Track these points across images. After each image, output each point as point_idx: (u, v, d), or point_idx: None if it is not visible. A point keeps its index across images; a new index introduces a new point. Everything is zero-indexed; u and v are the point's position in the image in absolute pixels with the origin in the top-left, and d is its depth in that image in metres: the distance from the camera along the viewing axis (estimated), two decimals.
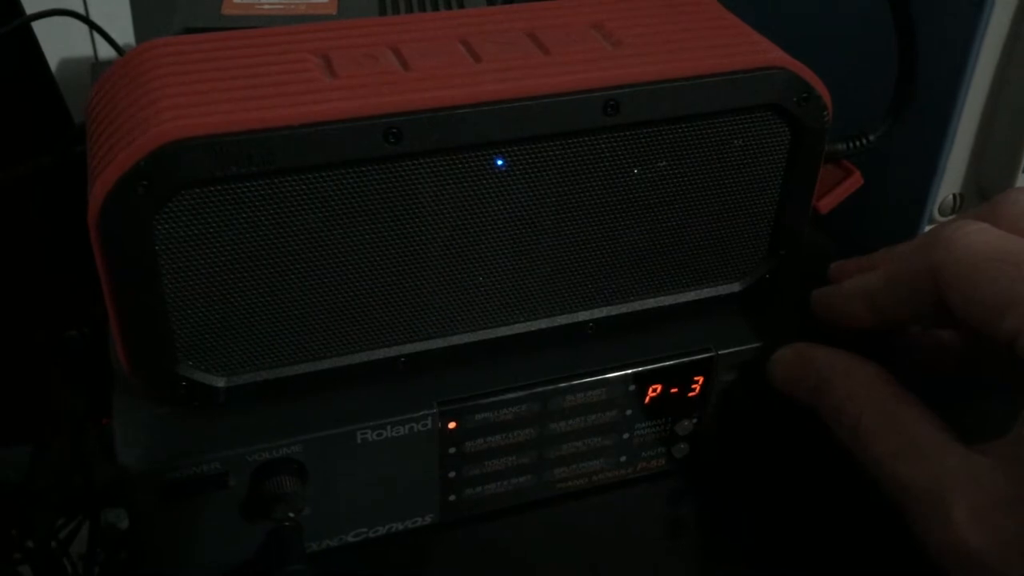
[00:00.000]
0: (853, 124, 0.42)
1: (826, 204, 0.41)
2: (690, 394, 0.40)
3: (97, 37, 0.68)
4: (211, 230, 0.32)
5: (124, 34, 0.75)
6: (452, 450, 0.37)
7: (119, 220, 0.31)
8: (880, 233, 0.42)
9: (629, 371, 0.38)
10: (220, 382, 0.35)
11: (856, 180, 0.42)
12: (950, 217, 0.44)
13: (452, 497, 0.38)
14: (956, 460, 0.31)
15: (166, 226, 0.32)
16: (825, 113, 0.37)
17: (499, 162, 0.34)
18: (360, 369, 0.37)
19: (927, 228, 0.44)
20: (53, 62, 0.74)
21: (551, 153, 0.35)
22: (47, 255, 0.54)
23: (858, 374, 0.35)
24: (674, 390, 0.40)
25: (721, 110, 0.36)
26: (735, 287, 0.41)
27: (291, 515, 0.35)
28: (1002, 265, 0.31)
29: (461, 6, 0.57)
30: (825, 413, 0.36)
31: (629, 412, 0.39)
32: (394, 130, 0.32)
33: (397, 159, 0.33)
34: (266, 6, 0.52)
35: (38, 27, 0.57)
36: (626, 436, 0.40)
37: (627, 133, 0.35)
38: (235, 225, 0.32)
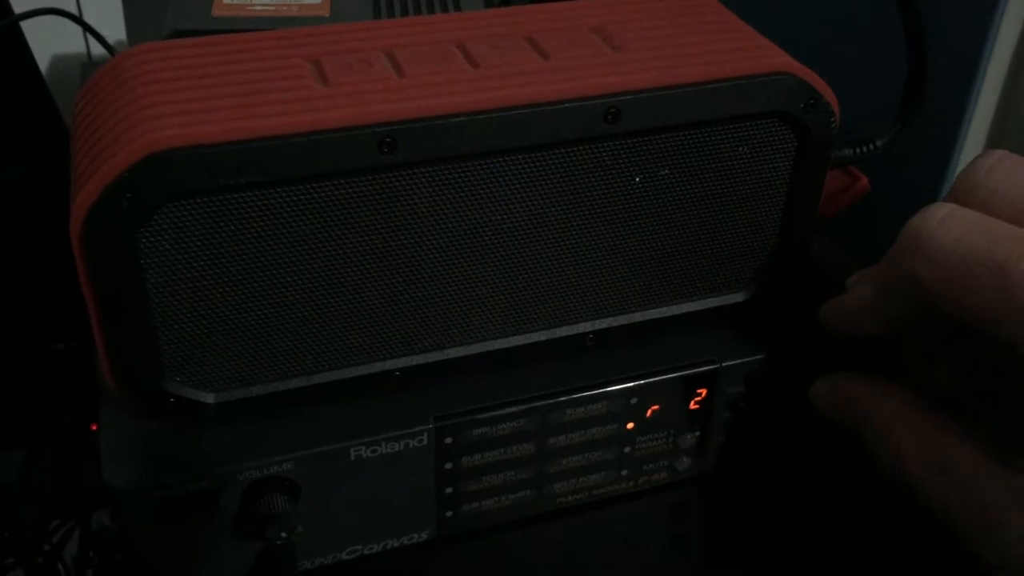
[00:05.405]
0: (860, 129, 0.41)
1: (832, 211, 0.40)
2: (693, 407, 0.39)
3: (90, 36, 0.67)
4: (198, 243, 0.31)
5: (118, 32, 0.74)
6: (449, 466, 0.36)
7: (103, 233, 0.30)
8: (888, 240, 0.41)
9: (630, 384, 0.37)
10: (209, 398, 0.34)
11: (863, 186, 0.41)
12: None
13: (449, 513, 0.38)
14: (997, 483, 0.30)
15: (152, 239, 0.31)
16: (832, 119, 0.36)
17: (496, 171, 0.33)
18: (354, 384, 0.36)
19: None
20: (45, 62, 0.73)
21: (550, 162, 0.34)
22: (39, 261, 0.53)
23: (892, 401, 0.34)
24: (677, 403, 0.39)
25: (725, 117, 0.35)
26: (740, 297, 0.40)
27: (283, 534, 0.34)
28: (983, 271, 0.30)
29: (458, 8, 0.56)
30: (867, 442, 0.35)
31: (630, 425, 0.38)
32: (388, 140, 0.31)
33: (391, 169, 0.32)
34: (257, 7, 0.51)
35: (31, 26, 0.56)
36: (627, 450, 0.39)
37: (628, 141, 0.34)
38: (223, 238, 0.31)
